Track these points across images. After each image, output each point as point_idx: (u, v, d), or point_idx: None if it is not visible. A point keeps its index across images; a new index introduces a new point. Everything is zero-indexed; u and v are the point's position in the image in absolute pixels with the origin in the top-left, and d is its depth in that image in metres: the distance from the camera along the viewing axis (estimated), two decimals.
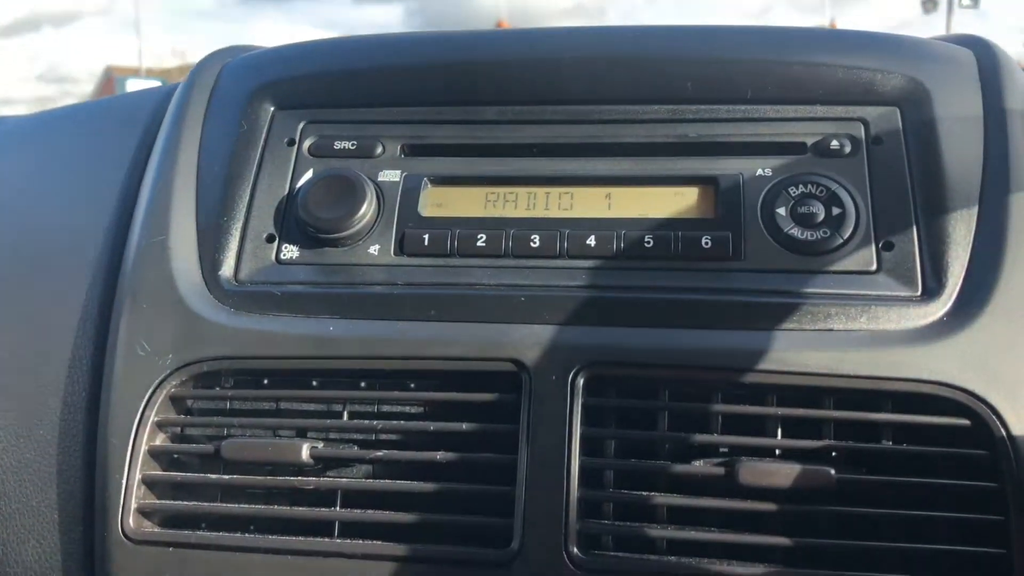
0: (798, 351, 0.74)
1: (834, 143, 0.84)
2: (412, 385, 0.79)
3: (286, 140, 0.90)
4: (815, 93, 0.86)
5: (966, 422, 0.71)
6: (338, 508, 0.75)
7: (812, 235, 0.80)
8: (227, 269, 0.85)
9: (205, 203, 0.88)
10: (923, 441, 0.72)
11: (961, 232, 0.79)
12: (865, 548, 0.70)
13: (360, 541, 0.74)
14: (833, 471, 0.71)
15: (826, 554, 0.71)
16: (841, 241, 0.80)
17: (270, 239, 0.86)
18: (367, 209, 0.84)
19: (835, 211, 0.81)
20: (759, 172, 0.84)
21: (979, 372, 0.72)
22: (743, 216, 0.82)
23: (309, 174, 0.88)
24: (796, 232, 0.80)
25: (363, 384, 0.79)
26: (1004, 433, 0.70)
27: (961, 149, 0.82)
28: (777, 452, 0.73)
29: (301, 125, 0.91)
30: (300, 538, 0.75)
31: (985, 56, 0.88)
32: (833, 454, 0.73)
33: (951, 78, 0.86)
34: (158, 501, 0.78)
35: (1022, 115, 0.84)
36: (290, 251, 0.85)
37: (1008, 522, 0.69)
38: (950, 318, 0.75)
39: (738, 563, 0.70)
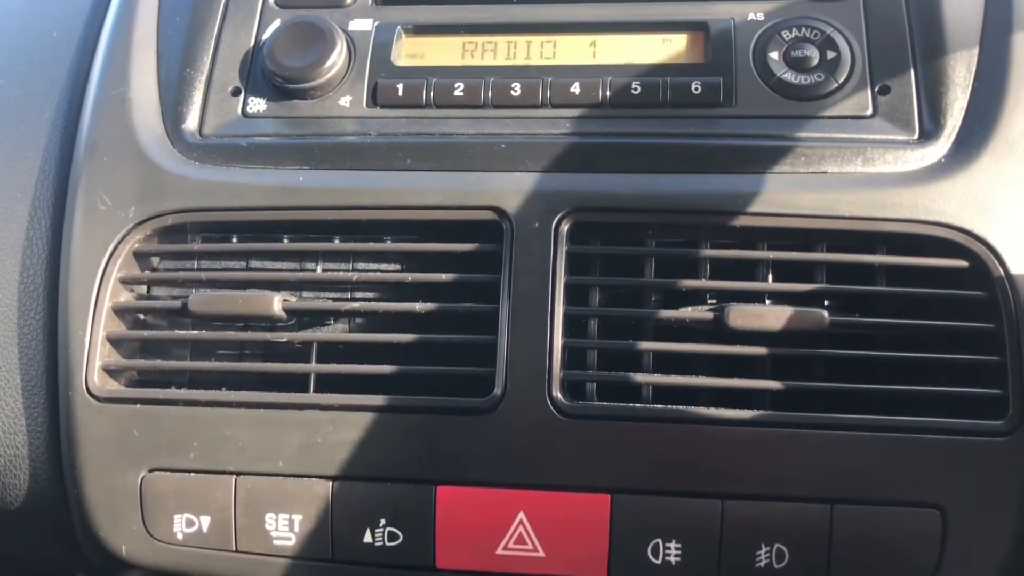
0: (791, 193, 0.71)
1: None
2: (388, 238, 0.75)
3: None
4: None
5: (964, 263, 0.69)
6: (314, 362, 0.72)
7: (806, 79, 0.76)
8: (191, 122, 0.80)
9: (166, 55, 0.83)
10: (918, 284, 0.70)
11: (960, 74, 0.75)
12: (857, 391, 0.68)
13: (338, 394, 0.71)
14: (826, 313, 0.68)
15: (816, 397, 0.69)
16: (836, 85, 0.76)
17: (235, 92, 0.81)
18: (337, 58, 0.79)
19: (830, 55, 0.77)
20: (751, 16, 0.79)
21: (978, 212, 0.69)
22: (734, 61, 0.78)
23: (276, 24, 0.83)
24: (789, 76, 0.76)
25: (337, 238, 0.75)
26: (1003, 272, 0.68)
27: None
28: (767, 298, 0.71)
29: None
30: (274, 393, 0.72)
31: None
32: (825, 301, 0.70)
33: None
34: (124, 360, 0.75)
35: None
36: (257, 104, 0.81)
37: (1005, 362, 0.67)
38: (948, 159, 0.72)
39: (726, 408, 0.68)
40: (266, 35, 0.83)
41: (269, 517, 0.70)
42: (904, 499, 0.66)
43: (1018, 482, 0.66)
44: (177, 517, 0.71)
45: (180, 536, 0.71)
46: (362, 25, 0.83)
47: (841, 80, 0.76)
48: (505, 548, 0.68)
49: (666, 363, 0.71)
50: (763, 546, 0.66)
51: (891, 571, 0.66)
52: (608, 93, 0.77)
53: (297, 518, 0.70)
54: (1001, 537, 0.67)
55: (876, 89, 0.76)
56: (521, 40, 0.82)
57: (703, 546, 0.67)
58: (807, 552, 0.66)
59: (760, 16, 0.79)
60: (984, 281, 0.68)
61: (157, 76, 0.82)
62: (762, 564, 0.66)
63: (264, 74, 0.81)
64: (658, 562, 0.67)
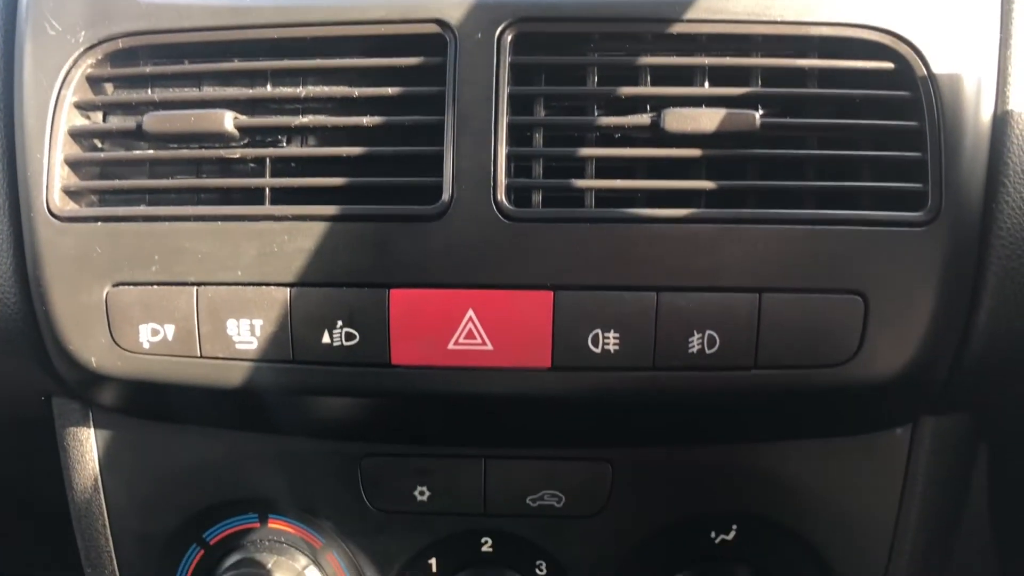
0: None
1: None
2: (343, 49, 0.76)
3: None
4: None
5: (890, 65, 0.71)
6: (267, 175, 0.74)
7: None
8: None
9: None
10: (847, 87, 0.72)
11: None
12: (786, 188, 0.72)
13: (293, 205, 0.74)
14: (758, 114, 0.71)
15: (749, 195, 0.72)
16: None
17: None
18: None
19: None
20: None
21: (905, 14, 0.71)
22: None
23: None
24: None
25: (286, 57, 0.76)
26: (926, 73, 0.71)
27: None
28: (703, 103, 0.73)
29: None
30: (231, 206, 0.74)
31: None
32: (759, 105, 0.73)
33: None
34: (83, 181, 0.77)
35: None
36: None
37: (925, 159, 0.70)
38: None
39: (663, 208, 0.71)
40: None
41: (231, 323, 0.74)
42: (828, 287, 0.71)
43: (935, 269, 0.71)
44: (143, 327, 0.74)
45: (146, 345, 0.75)
46: None
47: None
48: (455, 343, 0.72)
49: (608, 170, 0.73)
50: (695, 333, 0.71)
51: (814, 354, 0.71)
52: None
53: (258, 323, 0.73)
54: (918, 320, 0.71)
55: None
56: None
57: (639, 335, 0.71)
58: (736, 338, 0.71)
59: None
60: (909, 81, 0.71)
61: None
62: (694, 350, 0.71)
63: None
64: (598, 351, 0.71)
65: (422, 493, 0.83)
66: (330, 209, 0.73)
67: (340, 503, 0.84)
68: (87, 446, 0.86)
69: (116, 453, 0.86)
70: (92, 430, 0.86)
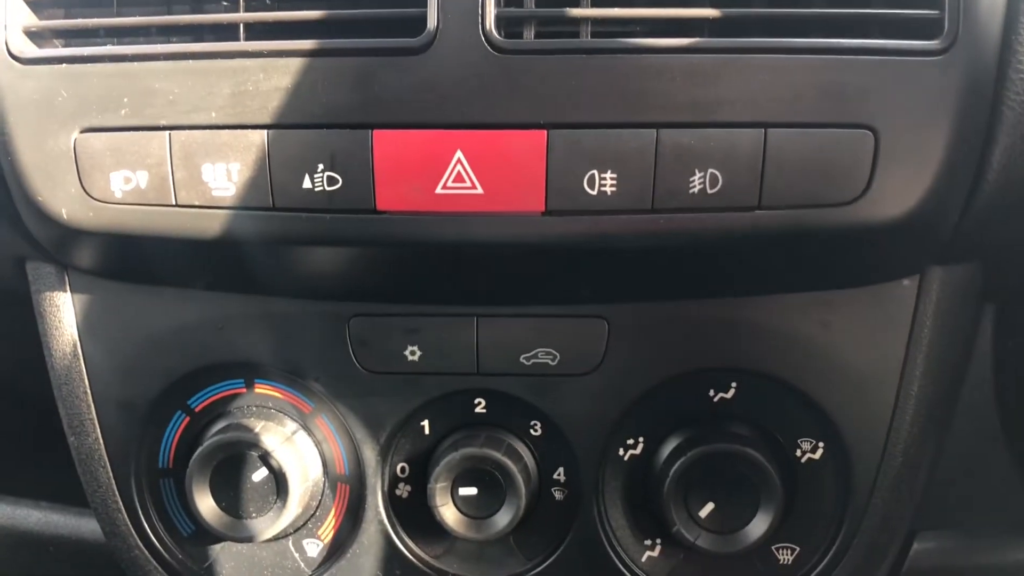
0: None
1: None
2: None
3: None
4: None
5: None
6: (242, 9, 0.69)
7: None
8: None
9: None
10: None
11: None
12: (795, 15, 0.67)
13: (267, 40, 0.69)
14: None
15: (754, 24, 0.68)
16: None
17: None
18: None
19: None
20: None
21: None
22: None
23: None
24: None
25: None
26: None
27: None
28: None
29: None
30: (203, 43, 0.70)
31: None
32: None
33: None
34: (45, 21, 0.72)
35: None
36: None
37: None
38: None
39: (663, 38, 0.67)
40: None
41: (206, 168, 0.70)
42: (836, 121, 0.67)
43: (949, 102, 0.67)
44: (114, 175, 0.71)
45: (119, 194, 0.71)
46: None
47: None
48: (444, 187, 0.68)
49: None
50: (696, 172, 0.67)
51: (821, 192, 0.68)
52: None
53: (235, 168, 0.69)
54: (931, 157, 0.68)
55: None
56: None
57: (638, 174, 0.67)
58: (740, 176, 0.67)
59: None
60: None
61: None
62: (695, 189, 0.67)
63: None
64: (594, 192, 0.68)
65: (413, 353, 0.80)
66: (308, 44, 0.68)
67: (329, 365, 0.81)
68: (64, 311, 0.83)
69: (94, 317, 0.83)
70: (69, 294, 0.83)
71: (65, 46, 0.72)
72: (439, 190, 0.69)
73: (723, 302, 0.78)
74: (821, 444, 0.81)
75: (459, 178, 0.68)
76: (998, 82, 0.68)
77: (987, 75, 0.68)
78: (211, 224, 0.71)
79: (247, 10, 0.70)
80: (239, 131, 0.69)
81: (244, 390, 0.84)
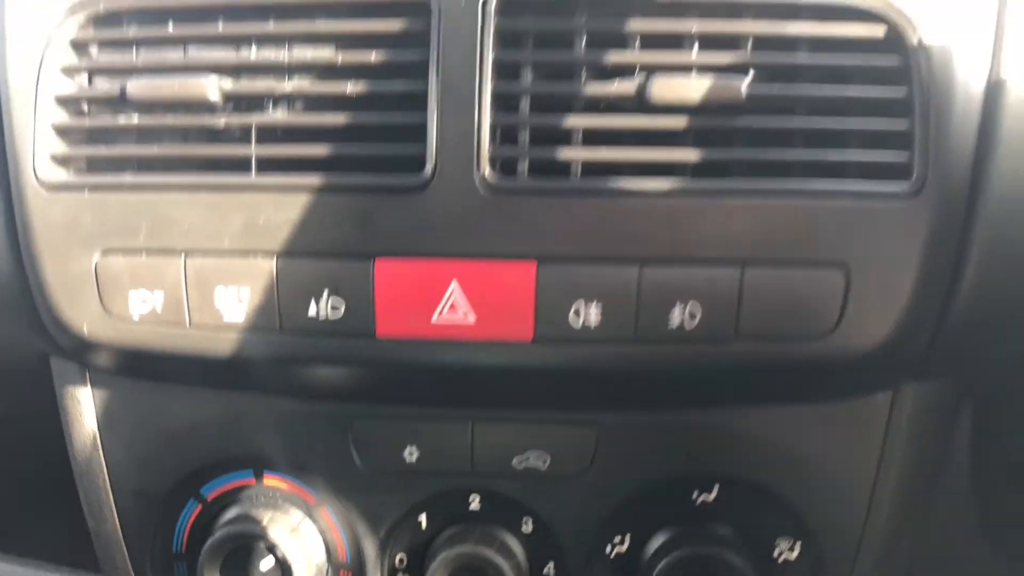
0: None
1: None
2: (328, 14, 0.75)
3: None
4: None
5: (880, 30, 0.70)
6: (253, 145, 0.74)
7: None
8: None
9: None
10: (847, 50, 0.71)
11: None
12: (773, 159, 0.71)
13: (277, 175, 0.74)
14: (744, 83, 0.70)
15: (736, 165, 0.72)
16: None
17: None
18: None
19: None
20: None
21: None
22: None
23: None
24: None
25: (272, 20, 0.75)
26: (916, 40, 0.69)
27: None
28: (693, 71, 0.72)
29: None
30: (217, 176, 0.74)
31: None
32: (751, 72, 0.72)
33: None
34: (72, 148, 0.77)
35: None
36: None
37: (913, 128, 0.70)
38: None
39: (648, 179, 0.71)
40: None
41: (219, 292, 0.74)
42: (810, 259, 0.71)
43: (918, 241, 0.71)
44: (132, 296, 0.75)
45: (136, 314, 0.76)
46: None
47: None
48: (440, 316, 0.73)
49: (596, 138, 0.73)
50: (677, 306, 0.71)
51: (795, 326, 0.72)
52: None
53: (245, 293, 0.74)
54: (900, 294, 0.71)
55: None
56: None
57: (621, 307, 0.72)
58: (718, 311, 0.71)
59: None
60: (899, 48, 0.70)
61: None
62: (676, 323, 0.71)
63: None
64: (580, 324, 0.72)
65: (411, 453, 0.84)
66: (314, 179, 0.73)
67: (332, 462, 0.86)
68: (85, 405, 0.88)
69: (113, 412, 0.88)
70: (89, 389, 0.88)
71: (89, 172, 0.77)
72: (435, 318, 0.73)
73: (706, 413, 0.82)
74: (798, 543, 0.85)
75: (453, 308, 0.73)
76: (967, 220, 0.72)
77: (956, 214, 0.72)
78: (222, 345, 0.75)
79: (259, 142, 0.74)
80: (250, 258, 0.74)
81: (253, 481, 0.89)
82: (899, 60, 0.70)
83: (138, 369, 0.85)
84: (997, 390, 0.87)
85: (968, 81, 0.71)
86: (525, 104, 0.73)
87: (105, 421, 0.88)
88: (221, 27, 0.75)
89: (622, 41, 0.73)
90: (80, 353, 0.83)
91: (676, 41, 0.72)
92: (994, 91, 0.71)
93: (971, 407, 0.89)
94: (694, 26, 0.72)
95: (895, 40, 0.70)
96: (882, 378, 0.80)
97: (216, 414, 0.87)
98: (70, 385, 0.88)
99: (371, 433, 0.85)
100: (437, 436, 0.84)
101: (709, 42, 0.72)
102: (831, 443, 0.82)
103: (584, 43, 0.73)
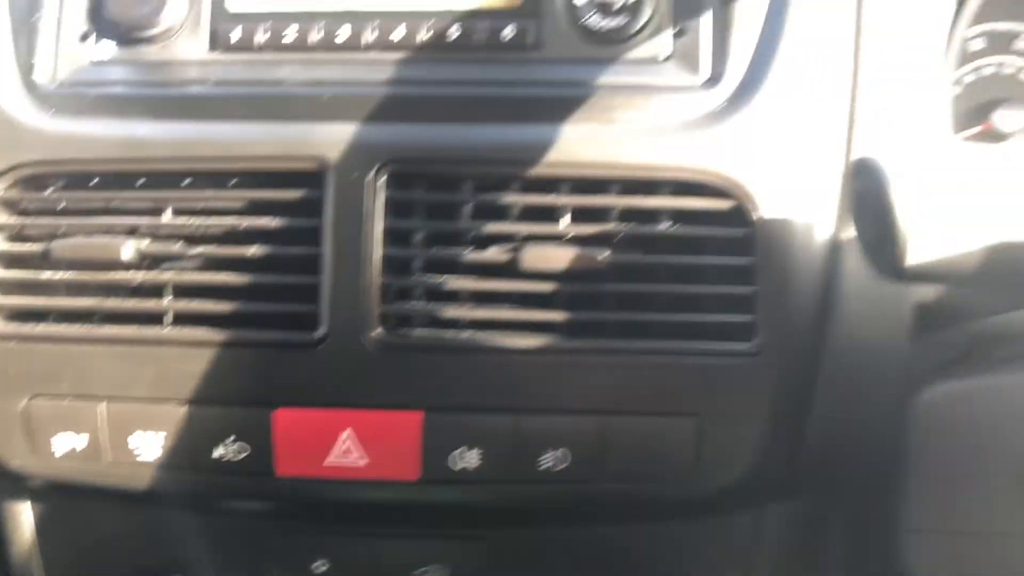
0: (584, 144, 0.79)
1: None
2: (232, 183, 0.82)
3: None
4: None
5: (727, 205, 0.78)
6: (165, 300, 0.81)
7: (609, 23, 0.82)
8: (43, 70, 0.86)
9: (15, 2, 0.87)
10: (699, 223, 0.79)
11: (750, 17, 0.81)
12: (633, 321, 0.79)
13: (188, 329, 0.81)
14: (605, 254, 0.77)
15: (602, 326, 0.80)
16: (637, 29, 0.82)
17: (84, 38, 0.86)
18: (174, 5, 0.84)
19: None
20: None
21: (742, 158, 0.77)
22: (544, 4, 0.83)
23: None
24: (594, 21, 0.82)
25: (186, 183, 0.82)
26: (759, 214, 0.77)
27: None
28: (564, 239, 0.79)
29: None
30: (135, 328, 0.82)
31: None
32: (614, 241, 0.79)
33: None
34: (1, 298, 0.84)
35: None
36: (105, 51, 0.86)
37: (756, 293, 0.77)
38: (726, 106, 0.79)
39: (528, 335, 0.79)
40: None
41: (134, 436, 0.82)
42: (666, 410, 0.79)
43: (763, 393, 0.79)
44: (56, 438, 0.83)
45: (59, 454, 0.83)
46: None
47: (643, 22, 0.82)
48: (334, 459, 0.80)
49: (482, 297, 0.80)
50: (549, 451, 0.79)
51: (654, 469, 0.80)
52: (428, 36, 0.83)
53: (159, 437, 0.81)
54: (748, 438, 0.79)
55: (674, 32, 0.82)
56: None
57: (499, 452, 0.79)
58: (585, 456, 0.79)
59: None
60: (744, 221, 0.78)
61: (10, 24, 0.86)
62: (546, 466, 0.79)
63: (110, 21, 0.85)
64: (460, 467, 0.80)
65: (321, 565, 0.92)
66: (220, 335, 0.80)
67: (250, 573, 0.93)
68: (23, 517, 0.95)
69: (50, 523, 0.96)
70: (28, 503, 0.95)
71: (16, 322, 0.84)
72: (329, 460, 0.81)
73: (588, 529, 0.90)
74: None
75: (347, 452, 0.80)
76: (810, 372, 0.80)
77: (798, 369, 0.79)
78: (137, 483, 0.83)
79: (171, 300, 0.81)
80: (163, 405, 0.81)
81: None
82: (744, 232, 0.78)
83: (71, 490, 0.92)
84: (862, 509, 0.95)
85: (808, 249, 0.78)
86: (412, 268, 0.80)
87: (42, 531, 0.96)
88: (139, 194, 0.82)
89: (503, 211, 0.80)
90: (15, 480, 0.90)
91: (551, 213, 0.80)
92: (833, 258, 0.79)
93: (840, 525, 0.97)
94: (566, 200, 0.79)
95: (740, 214, 0.78)
96: (744, 503, 0.88)
97: (145, 525, 0.94)
98: (8, 499, 0.95)
99: (283, 548, 0.92)
100: (342, 551, 0.92)
101: (579, 214, 0.79)
102: (703, 558, 0.90)
103: (469, 214, 0.80)
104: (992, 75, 1.00)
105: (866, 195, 0.63)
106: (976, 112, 0.97)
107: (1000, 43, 0.99)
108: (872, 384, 0.82)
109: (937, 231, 0.61)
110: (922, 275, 0.63)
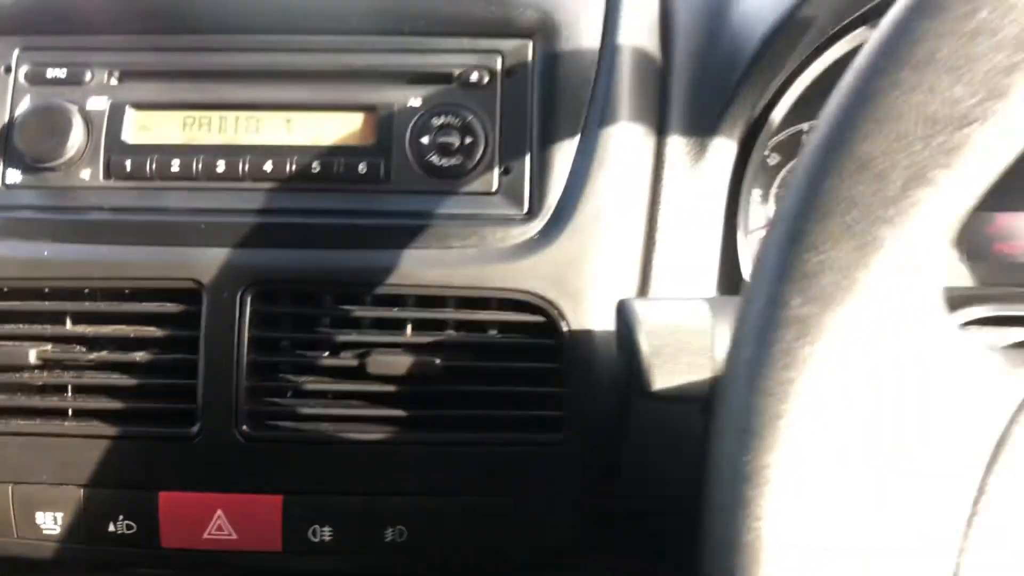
0: (423, 268, 0.94)
1: (474, 75, 0.99)
2: (123, 297, 0.96)
3: (2, 67, 1.01)
4: (462, 26, 1.00)
5: (540, 320, 0.93)
6: (67, 398, 0.95)
7: (448, 162, 0.97)
8: None
9: None
10: (518, 333, 0.94)
11: (563, 159, 0.97)
12: (464, 416, 0.94)
13: (86, 423, 0.95)
14: (440, 359, 0.93)
15: (439, 420, 0.95)
16: (471, 166, 0.97)
17: None
18: (75, 138, 0.98)
19: (468, 140, 0.97)
20: (410, 103, 0.99)
21: (552, 282, 0.93)
22: (394, 143, 0.98)
23: (27, 101, 1.01)
24: (435, 159, 0.97)
25: (84, 296, 0.96)
26: (566, 327, 0.93)
27: (575, 81, 0.98)
28: (408, 345, 0.95)
29: (16, 52, 1.02)
30: (39, 422, 0.96)
31: None
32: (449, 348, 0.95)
33: (580, 12, 1.00)
34: None
35: (635, 50, 1.00)
36: (14, 176, 1.00)
37: (562, 393, 0.93)
38: (541, 235, 0.95)
39: (374, 429, 0.94)
40: (18, 111, 1.00)
41: (39, 514, 0.96)
42: (489, 491, 0.94)
43: (573, 474, 0.94)
44: None
45: None
46: (99, 103, 1.01)
47: (475, 162, 0.97)
48: (210, 534, 0.95)
49: (337, 395, 0.95)
50: (389, 528, 0.94)
51: (483, 542, 0.95)
52: (294, 169, 0.98)
53: (60, 515, 0.96)
54: (562, 513, 0.95)
55: (501, 170, 0.98)
56: (231, 115, 1.01)
57: (348, 528, 0.94)
58: (422, 531, 0.94)
59: (418, 102, 0.99)
60: (554, 332, 0.93)
61: None
62: (389, 539, 0.95)
63: (18, 151, 0.99)
64: (317, 540, 0.95)
65: None
66: (112, 429, 0.94)
67: None
68: None
69: None
70: None
71: None
72: (206, 535, 0.95)
73: None
74: None
75: (220, 528, 0.95)
76: (610, 454, 0.96)
77: (601, 452, 0.95)
78: (43, 554, 0.97)
79: (72, 399, 0.96)
80: (64, 487, 0.95)
81: None
82: (554, 342, 0.93)
83: None
84: (682, 561, 1.11)
85: (607, 355, 0.94)
86: (277, 371, 0.95)
87: None
88: (43, 306, 0.96)
89: (355, 324, 0.95)
90: None
91: (397, 323, 0.95)
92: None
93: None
94: (408, 314, 0.94)
95: (551, 327, 0.93)
96: (567, 562, 1.04)
97: None
98: None
99: None
100: None
101: (420, 325, 0.95)
102: None
103: (326, 324, 0.95)
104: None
105: (620, 333, 0.79)
106: None
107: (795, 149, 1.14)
108: (671, 455, 0.98)
109: (678, 364, 0.77)
110: (668, 397, 0.78)
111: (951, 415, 0.48)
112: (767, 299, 0.47)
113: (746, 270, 1.04)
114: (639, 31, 1.02)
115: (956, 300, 0.80)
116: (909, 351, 0.47)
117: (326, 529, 0.95)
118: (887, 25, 0.46)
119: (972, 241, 1.32)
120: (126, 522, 0.95)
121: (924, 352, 0.48)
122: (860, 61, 0.47)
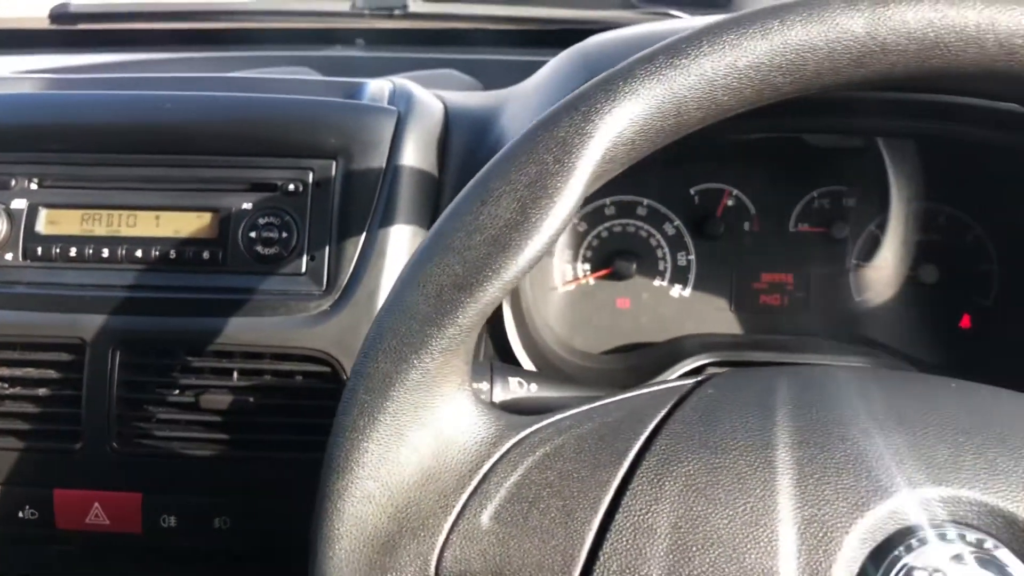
0: (247, 331, 1.28)
1: (292, 186, 1.34)
2: (33, 349, 1.33)
3: None
4: (284, 149, 1.36)
5: (328, 370, 1.29)
6: None
7: (269, 251, 1.33)
8: None
9: None
10: (315, 380, 1.30)
11: (352, 251, 1.32)
12: (273, 439, 1.31)
13: (2, 439, 1.32)
14: (252, 398, 1.29)
15: (255, 441, 1.31)
16: (286, 254, 1.33)
17: None
18: (1, 230, 1.35)
19: (285, 235, 1.33)
20: (244, 206, 1.35)
21: (336, 343, 1.29)
22: (230, 237, 1.34)
23: None
24: (260, 248, 1.33)
25: (3, 345, 1.34)
26: (345, 377, 1.29)
27: (365, 191, 1.34)
28: (234, 387, 1.31)
29: None
30: None
31: (402, 118, 1.38)
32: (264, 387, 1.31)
33: (371, 138, 1.36)
34: None
35: (413, 168, 1.35)
36: None
37: None
38: (332, 308, 1.31)
39: (208, 447, 1.30)
40: None
41: None
42: (284, 493, 1.30)
43: None
44: None
45: None
46: (20, 204, 1.38)
47: (289, 251, 1.33)
48: (90, 520, 1.32)
49: (182, 422, 1.32)
50: (217, 518, 1.31)
51: (280, 535, 1.31)
52: (157, 255, 1.34)
53: None
54: None
55: (309, 257, 1.34)
56: (116, 214, 1.37)
57: (189, 517, 1.31)
58: (240, 521, 1.31)
59: (250, 206, 1.35)
60: (337, 380, 1.29)
61: None
62: (216, 527, 1.31)
63: None
64: (167, 526, 1.31)
65: None
66: (19, 444, 1.30)
67: None
68: None
69: None
70: None
71: None
72: (87, 520, 1.32)
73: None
74: None
75: (97, 515, 1.32)
76: None
77: None
78: None
79: None
80: None
81: None
82: (337, 386, 1.29)
83: None
84: None
85: None
86: (141, 404, 1.31)
87: None
88: None
89: (197, 371, 1.32)
90: None
91: (227, 371, 1.31)
92: None
93: None
94: (236, 364, 1.30)
95: (335, 376, 1.29)
96: None
97: None
98: None
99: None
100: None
101: (244, 372, 1.31)
102: None
103: (177, 370, 1.32)
104: (620, 232, 1.56)
105: None
106: (604, 259, 1.55)
107: (626, 210, 1.55)
108: None
109: None
110: None
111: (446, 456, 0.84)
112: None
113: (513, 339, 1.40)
114: (418, 152, 1.37)
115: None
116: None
117: (173, 518, 1.32)
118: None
119: (739, 295, 1.70)
120: (31, 510, 1.32)
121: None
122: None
